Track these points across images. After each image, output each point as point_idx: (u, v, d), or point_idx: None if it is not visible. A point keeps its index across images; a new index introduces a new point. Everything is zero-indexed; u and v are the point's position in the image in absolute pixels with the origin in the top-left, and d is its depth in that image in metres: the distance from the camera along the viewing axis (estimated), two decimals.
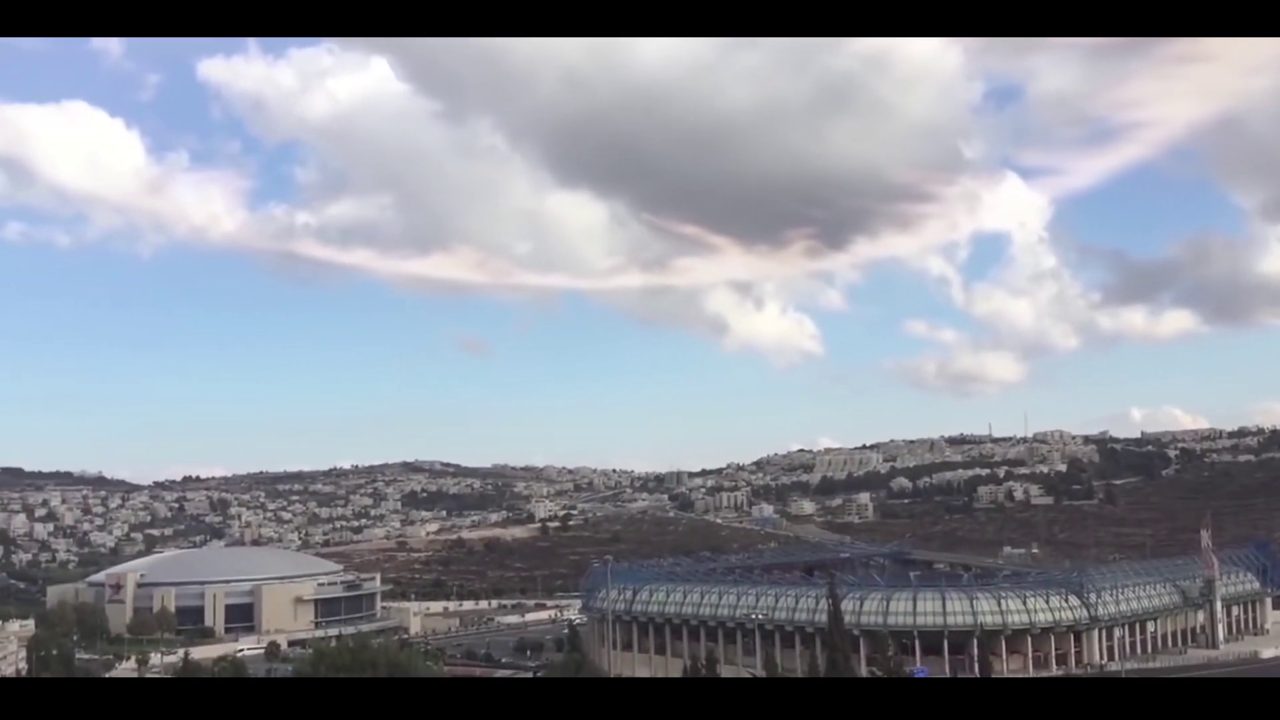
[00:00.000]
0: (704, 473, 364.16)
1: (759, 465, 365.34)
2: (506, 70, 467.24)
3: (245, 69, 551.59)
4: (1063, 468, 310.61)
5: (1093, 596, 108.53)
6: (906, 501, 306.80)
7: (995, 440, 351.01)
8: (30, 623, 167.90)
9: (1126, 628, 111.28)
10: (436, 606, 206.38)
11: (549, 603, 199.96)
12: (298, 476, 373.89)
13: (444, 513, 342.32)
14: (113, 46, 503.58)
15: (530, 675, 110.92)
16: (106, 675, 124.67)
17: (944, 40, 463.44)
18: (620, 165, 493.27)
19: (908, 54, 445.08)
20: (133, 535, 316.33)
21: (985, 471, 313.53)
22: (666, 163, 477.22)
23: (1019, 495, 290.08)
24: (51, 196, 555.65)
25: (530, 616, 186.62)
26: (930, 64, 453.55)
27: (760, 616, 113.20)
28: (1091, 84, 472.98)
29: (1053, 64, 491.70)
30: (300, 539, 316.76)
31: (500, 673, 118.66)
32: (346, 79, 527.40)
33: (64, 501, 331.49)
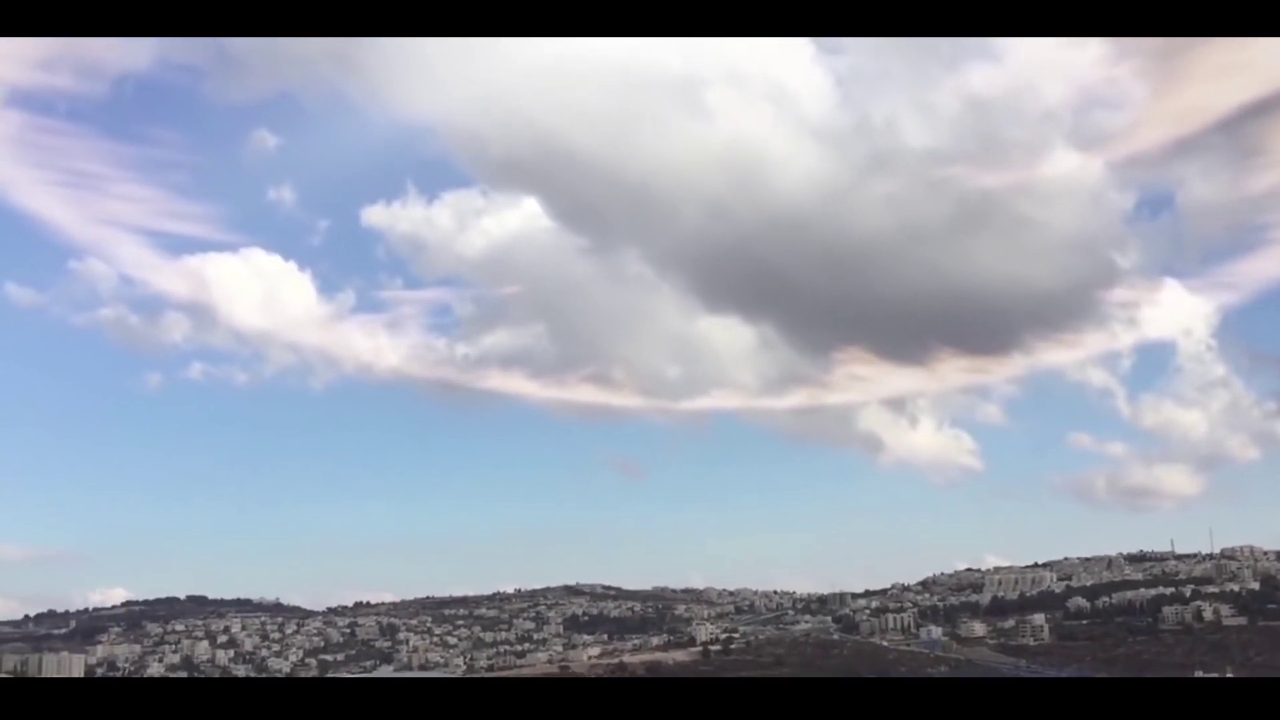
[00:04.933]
0: (867, 594, 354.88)
1: (925, 585, 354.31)
2: (650, 203, 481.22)
3: (404, 213, 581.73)
4: (1255, 585, 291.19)
5: None
6: (1085, 623, 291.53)
7: (1179, 557, 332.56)
8: None
9: None
10: None
11: None
12: (462, 601, 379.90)
13: (605, 636, 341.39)
14: (286, 195, 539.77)
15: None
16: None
17: (1084, 155, 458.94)
18: (766, 289, 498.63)
19: (1048, 172, 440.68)
20: (307, 660, 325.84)
21: (1170, 590, 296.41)
22: (811, 285, 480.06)
23: (1208, 615, 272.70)
24: (231, 337, 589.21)
25: None
26: (1073, 178, 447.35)
27: None
28: (1245, 187, 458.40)
29: (1201, 171, 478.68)
30: (465, 663, 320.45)
31: None
32: (498, 218, 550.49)
33: (244, 628, 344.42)
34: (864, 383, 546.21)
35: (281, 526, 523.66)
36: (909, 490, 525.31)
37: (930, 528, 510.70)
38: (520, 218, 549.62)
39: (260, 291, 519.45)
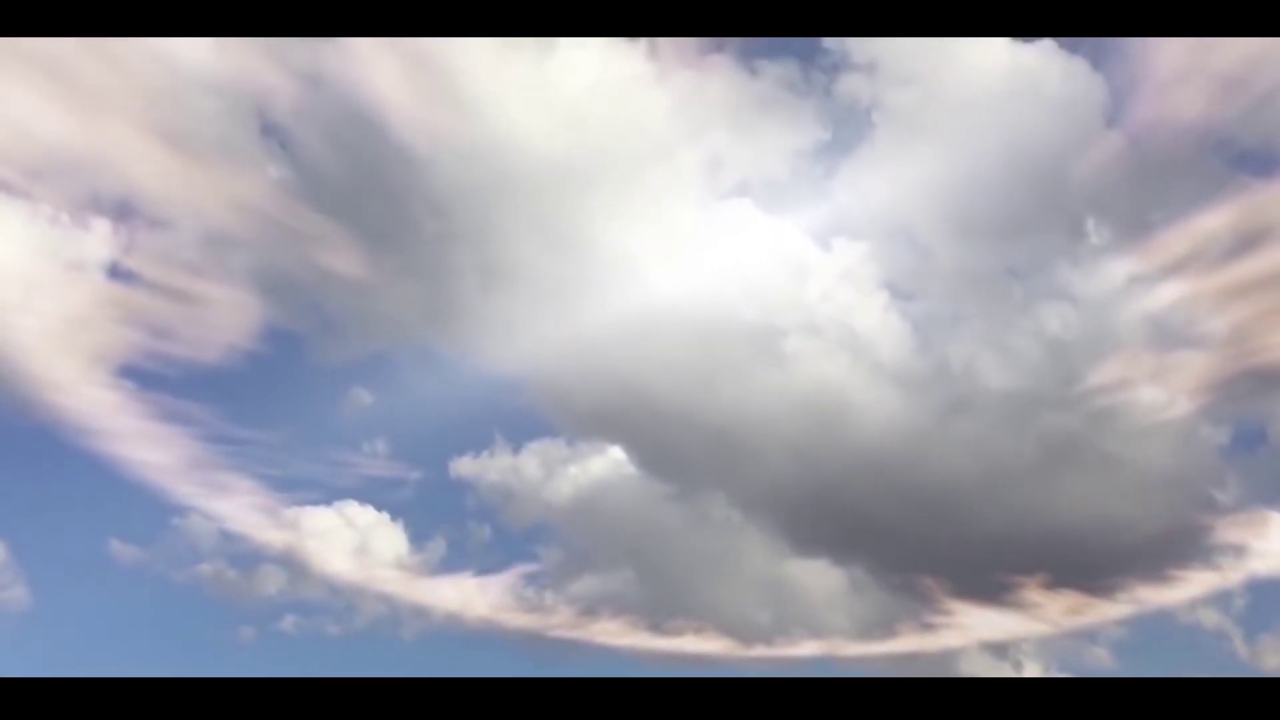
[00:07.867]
0: None
1: None
2: (734, 449, 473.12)
3: (492, 463, 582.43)
4: None
5: None
6: None
7: None
8: None
9: None
10: None
11: None
12: None
13: None
14: (380, 448, 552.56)
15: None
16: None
17: (1169, 391, 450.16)
18: (854, 531, 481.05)
19: (1133, 410, 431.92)
20: None
21: None
22: (899, 526, 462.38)
23: None
24: (324, 589, 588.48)
25: None
26: (1160, 415, 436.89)
27: None
28: None
29: None
30: None
31: None
32: (584, 466, 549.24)
33: None
34: (962, 626, 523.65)
35: None
36: None
37: None
38: (605, 465, 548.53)
39: (353, 543, 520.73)
